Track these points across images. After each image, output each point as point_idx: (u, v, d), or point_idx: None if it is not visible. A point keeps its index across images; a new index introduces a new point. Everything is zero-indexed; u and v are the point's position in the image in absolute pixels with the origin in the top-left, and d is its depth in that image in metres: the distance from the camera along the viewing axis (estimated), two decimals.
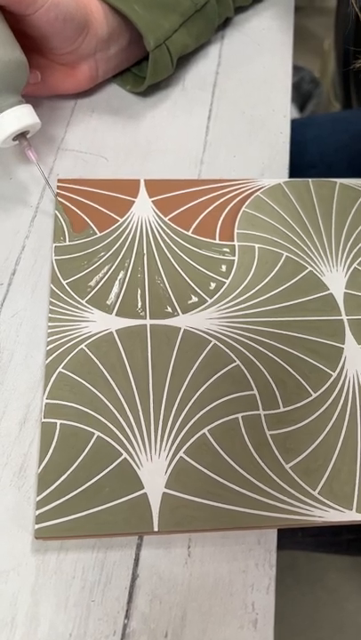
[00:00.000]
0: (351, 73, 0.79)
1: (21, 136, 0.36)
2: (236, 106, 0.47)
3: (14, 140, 0.36)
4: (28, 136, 0.37)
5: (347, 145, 0.61)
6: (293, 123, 0.64)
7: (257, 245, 0.38)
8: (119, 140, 0.44)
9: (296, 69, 1.27)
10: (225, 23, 0.51)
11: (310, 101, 1.28)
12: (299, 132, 0.62)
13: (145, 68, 0.44)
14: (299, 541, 0.62)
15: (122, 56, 0.44)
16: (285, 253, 0.38)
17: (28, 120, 0.35)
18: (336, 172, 0.42)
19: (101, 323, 0.34)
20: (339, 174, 0.43)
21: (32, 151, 0.37)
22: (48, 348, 0.33)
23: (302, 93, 1.29)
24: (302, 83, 1.28)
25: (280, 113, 0.47)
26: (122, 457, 0.30)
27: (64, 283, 0.35)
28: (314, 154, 0.62)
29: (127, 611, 0.28)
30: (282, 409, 0.32)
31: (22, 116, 0.35)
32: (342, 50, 0.76)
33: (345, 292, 0.37)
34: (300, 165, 0.60)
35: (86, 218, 0.38)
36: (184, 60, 0.48)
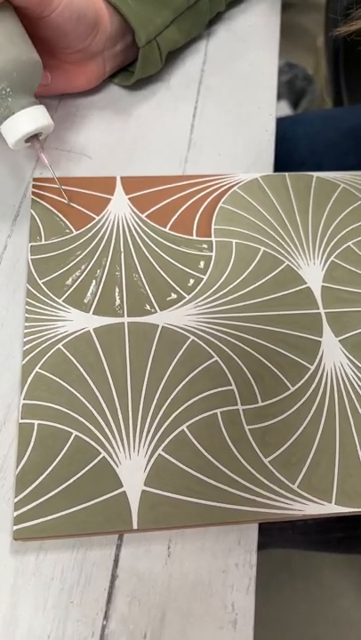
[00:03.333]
0: (342, 70, 0.79)
1: (34, 138, 0.35)
2: (222, 104, 0.47)
3: (26, 141, 0.35)
4: (40, 138, 0.36)
5: (336, 142, 0.62)
6: (284, 120, 0.64)
7: (234, 241, 0.38)
8: (103, 138, 0.43)
9: (290, 66, 1.27)
10: (211, 19, 0.51)
11: (304, 98, 1.28)
12: (289, 129, 0.62)
13: (134, 63, 0.44)
14: (290, 539, 0.61)
15: (127, 52, 0.43)
16: (263, 248, 0.38)
17: (43, 121, 0.34)
18: (326, 170, 0.42)
19: (78, 322, 0.34)
20: None
21: (45, 154, 0.36)
22: (25, 348, 0.33)
23: (296, 90, 1.29)
24: (296, 80, 1.28)
25: (266, 111, 0.47)
26: (100, 456, 0.30)
27: (40, 282, 0.35)
28: (304, 151, 0.62)
29: (106, 612, 0.28)
30: (260, 403, 0.32)
31: (37, 118, 0.34)
32: (332, 47, 0.76)
33: (322, 286, 0.37)
34: (289, 163, 0.60)
35: (62, 216, 0.37)
36: (169, 57, 0.47)
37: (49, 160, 0.37)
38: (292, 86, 1.29)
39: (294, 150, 0.62)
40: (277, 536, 0.59)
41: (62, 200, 0.38)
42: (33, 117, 0.34)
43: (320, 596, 0.84)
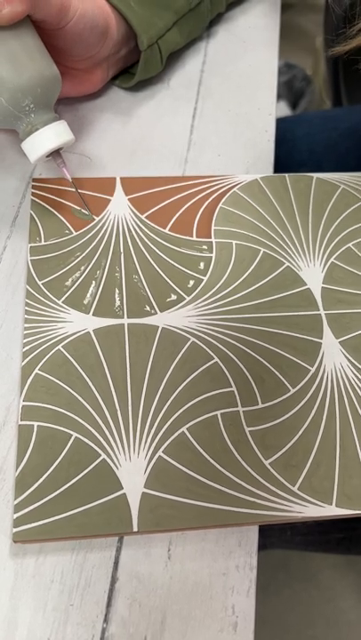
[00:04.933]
0: (341, 70, 0.79)
1: (56, 153, 0.35)
2: (222, 104, 0.47)
3: (47, 156, 0.35)
4: (61, 152, 0.36)
5: (336, 143, 0.62)
6: (283, 120, 0.64)
7: (234, 242, 0.38)
8: (103, 139, 0.43)
9: (288, 67, 1.27)
10: (211, 21, 0.51)
11: (303, 99, 1.28)
12: (288, 129, 0.62)
13: (136, 65, 0.44)
14: (289, 540, 0.61)
15: (129, 56, 0.44)
16: (263, 249, 0.38)
17: (66, 137, 0.34)
18: (325, 171, 0.42)
19: (78, 323, 0.34)
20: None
21: (67, 168, 0.36)
22: (24, 349, 0.33)
23: (294, 91, 1.29)
24: (294, 80, 1.28)
25: (265, 111, 0.47)
26: (100, 458, 0.30)
27: (40, 283, 0.35)
28: (303, 152, 0.62)
29: (106, 615, 0.28)
30: (260, 405, 0.32)
31: (61, 133, 0.34)
32: (332, 48, 0.76)
33: (322, 287, 0.37)
34: (289, 163, 0.60)
35: (62, 217, 0.37)
36: (169, 58, 0.47)
37: (71, 174, 0.36)
38: (290, 87, 1.29)
39: (294, 151, 0.62)
40: (276, 537, 0.59)
41: (84, 212, 0.38)
42: (57, 133, 0.34)
43: (318, 598, 0.84)
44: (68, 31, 0.36)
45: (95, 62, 0.41)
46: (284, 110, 1.27)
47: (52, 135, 0.34)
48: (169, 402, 0.32)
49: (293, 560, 0.86)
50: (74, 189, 0.38)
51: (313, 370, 0.33)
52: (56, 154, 0.35)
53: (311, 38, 1.36)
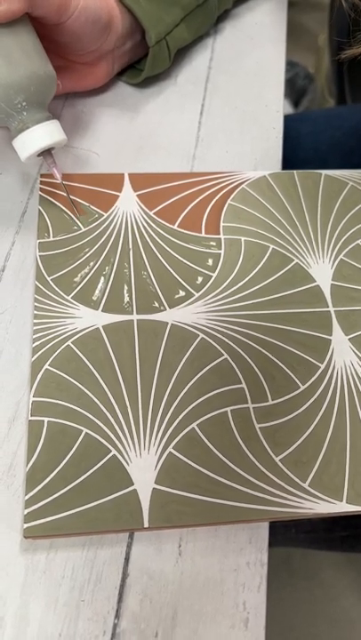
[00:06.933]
0: (345, 69, 0.79)
1: (47, 152, 0.35)
2: (229, 101, 0.47)
3: (38, 155, 0.35)
4: (52, 152, 0.36)
5: (340, 141, 0.61)
6: (287, 118, 0.64)
7: (243, 238, 0.38)
8: (110, 135, 0.43)
9: (291, 65, 1.27)
10: (218, 17, 0.51)
11: (305, 97, 1.28)
12: (293, 127, 0.62)
13: (143, 61, 0.44)
14: (293, 538, 0.61)
15: (136, 50, 0.44)
16: (272, 246, 0.38)
17: (57, 136, 0.34)
18: (330, 169, 0.42)
19: (87, 319, 0.34)
20: None
21: (57, 168, 0.36)
22: (34, 345, 0.32)
23: (297, 89, 1.29)
24: (297, 78, 1.28)
25: (273, 108, 0.47)
26: (111, 453, 0.30)
27: (49, 279, 0.35)
28: (308, 150, 0.62)
29: (117, 610, 0.28)
30: (271, 402, 0.32)
31: (53, 132, 0.34)
32: (336, 46, 0.76)
33: (332, 284, 0.37)
34: (294, 161, 0.60)
35: (70, 213, 0.37)
36: (177, 54, 0.47)
37: (61, 175, 0.36)
38: (293, 85, 1.29)
39: (298, 148, 0.62)
40: (281, 534, 0.59)
41: (72, 214, 0.37)
42: (48, 132, 0.34)
43: (321, 596, 0.84)
44: (70, 26, 0.36)
45: (99, 56, 0.41)
46: (286, 108, 1.27)
47: (43, 134, 0.34)
48: (179, 398, 0.31)
49: (296, 558, 0.86)
50: (79, 185, 0.37)
51: (323, 367, 0.33)
52: (47, 153, 0.35)
53: (313, 36, 1.35)
